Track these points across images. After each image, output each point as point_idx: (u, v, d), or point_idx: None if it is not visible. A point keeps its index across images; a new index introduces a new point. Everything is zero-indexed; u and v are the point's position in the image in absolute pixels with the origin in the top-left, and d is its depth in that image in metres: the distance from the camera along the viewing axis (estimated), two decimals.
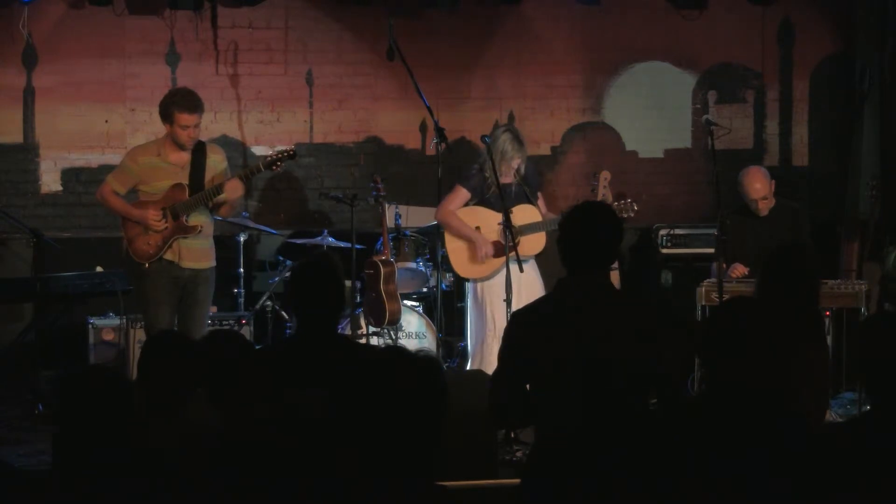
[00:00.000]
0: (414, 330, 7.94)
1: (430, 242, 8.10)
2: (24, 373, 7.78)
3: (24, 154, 8.99)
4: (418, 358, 2.92)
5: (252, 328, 8.00)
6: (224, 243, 7.93)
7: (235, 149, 9.00)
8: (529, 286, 7.03)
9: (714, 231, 7.21)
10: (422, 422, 2.84)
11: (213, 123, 8.97)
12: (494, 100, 9.36)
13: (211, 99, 8.79)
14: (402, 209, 8.29)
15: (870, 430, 3.39)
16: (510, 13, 9.38)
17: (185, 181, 6.83)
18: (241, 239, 8.35)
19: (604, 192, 7.32)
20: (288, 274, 7.92)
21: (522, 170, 7.29)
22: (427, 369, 2.89)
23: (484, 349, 7.21)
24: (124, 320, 7.63)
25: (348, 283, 7.44)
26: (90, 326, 7.88)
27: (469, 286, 7.43)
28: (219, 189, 6.76)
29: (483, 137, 7.17)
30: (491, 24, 9.38)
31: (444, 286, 7.79)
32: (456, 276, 7.75)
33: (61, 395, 3.26)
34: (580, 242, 3.93)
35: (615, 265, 6.67)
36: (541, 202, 7.43)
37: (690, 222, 8.98)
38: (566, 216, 4.03)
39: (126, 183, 6.95)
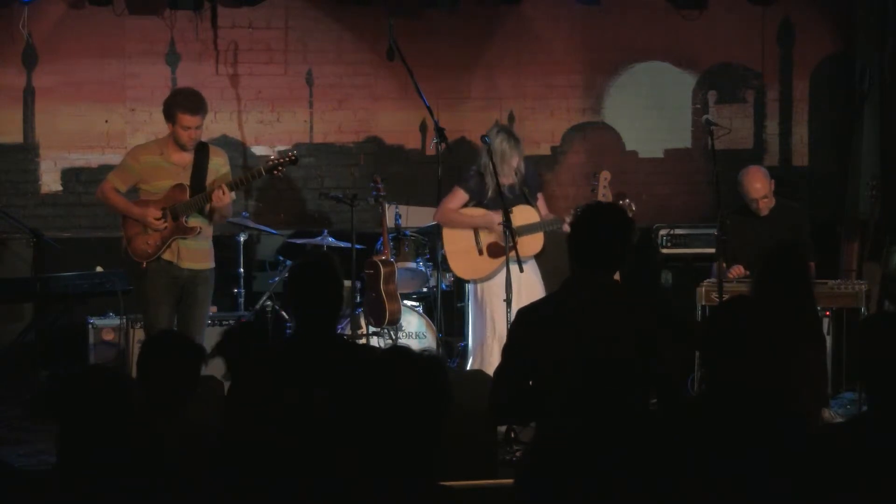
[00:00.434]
0: (414, 330, 7.94)
1: (430, 242, 8.09)
2: (24, 373, 7.78)
3: (24, 154, 8.99)
4: (419, 358, 2.92)
5: None
6: (224, 243, 7.93)
7: (235, 149, 9.00)
8: (529, 286, 7.04)
9: (714, 231, 7.22)
10: (422, 422, 2.84)
11: (213, 123, 8.96)
12: (494, 100, 9.36)
13: (211, 99, 8.72)
14: (402, 209, 8.29)
15: (870, 430, 3.39)
16: (510, 13, 9.38)
17: (187, 182, 6.82)
18: (241, 239, 8.35)
19: (604, 192, 7.32)
20: (287, 274, 7.91)
21: (522, 168, 7.30)
22: (427, 369, 2.89)
23: (484, 349, 7.22)
24: (124, 320, 7.63)
25: (348, 283, 7.44)
26: (90, 326, 7.88)
27: (469, 287, 7.44)
28: (208, 197, 6.75)
29: (483, 137, 7.18)
30: (491, 24, 9.38)
31: (444, 286, 7.79)
32: (456, 276, 7.76)
33: (61, 394, 3.25)
34: (582, 242, 3.95)
35: None
36: (541, 203, 7.43)
37: (690, 222, 8.98)
38: (574, 216, 4.08)
39: (127, 181, 6.94)
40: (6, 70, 8.88)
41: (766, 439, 3.36)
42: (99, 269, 7.83)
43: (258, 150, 9.08)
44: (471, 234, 7.33)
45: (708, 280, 7.39)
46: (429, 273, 8.05)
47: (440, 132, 7.33)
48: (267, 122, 9.23)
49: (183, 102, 6.76)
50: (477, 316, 7.33)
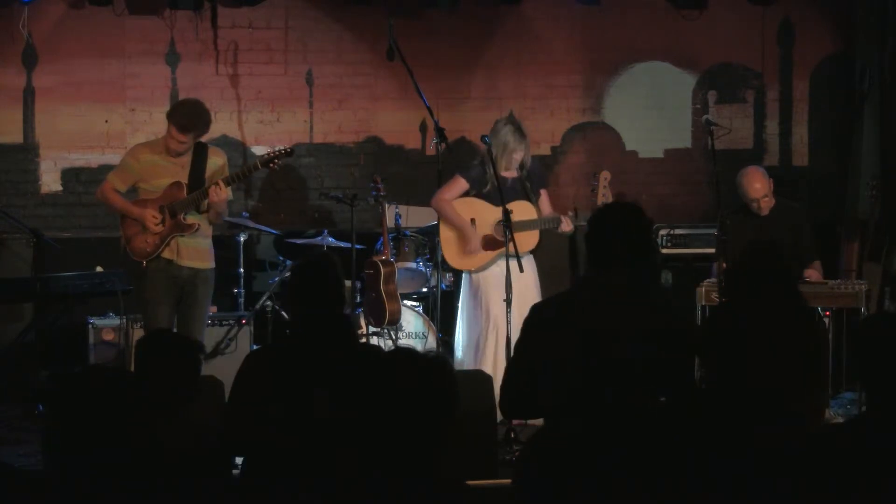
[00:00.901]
0: (414, 330, 7.94)
1: (430, 242, 8.09)
2: (24, 373, 7.77)
3: (24, 154, 8.99)
4: (420, 358, 2.92)
5: (252, 328, 7.99)
6: (224, 243, 7.93)
7: (235, 149, 9.00)
8: (524, 282, 7.00)
9: (714, 231, 7.21)
10: (422, 422, 2.84)
11: (213, 124, 8.85)
12: (494, 100, 9.36)
13: (211, 99, 8.78)
14: (402, 209, 8.29)
15: (870, 430, 3.39)
16: (510, 13, 9.38)
17: (185, 180, 6.84)
18: (241, 239, 8.34)
19: (604, 192, 7.32)
20: (288, 274, 7.92)
21: (528, 163, 7.30)
22: (428, 370, 2.89)
23: (480, 343, 7.20)
24: (124, 320, 7.63)
25: (348, 283, 7.44)
26: (90, 326, 7.88)
27: (464, 278, 7.42)
28: (205, 193, 6.76)
29: (483, 137, 7.17)
30: (491, 24, 9.38)
31: (443, 286, 7.79)
32: (455, 273, 7.76)
33: (61, 394, 3.25)
34: (591, 242, 3.98)
35: None
36: (545, 199, 7.42)
37: (690, 222, 8.97)
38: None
39: (127, 180, 6.95)
40: (6, 70, 8.87)
41: (766, 439, 3.36)
42: (99, 269, 7.83)
43: (258, 151, 9.07)
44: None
45: (708, 280, 7.39)
46: (429, 273, 8.05)
47: (440, 132, 7.34)
48: (267, 122, 9.23)
49: (178, 119, 6.78)
50: (473, 307, 7.30)
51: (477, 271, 7.29)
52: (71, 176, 9.04)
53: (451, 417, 2.88)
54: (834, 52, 9.55)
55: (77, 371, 3.34)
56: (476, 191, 7.29)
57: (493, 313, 7.16)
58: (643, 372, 3.77)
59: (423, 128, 9.29)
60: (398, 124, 9.34)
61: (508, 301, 6.73)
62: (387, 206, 8.01)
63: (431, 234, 7.99)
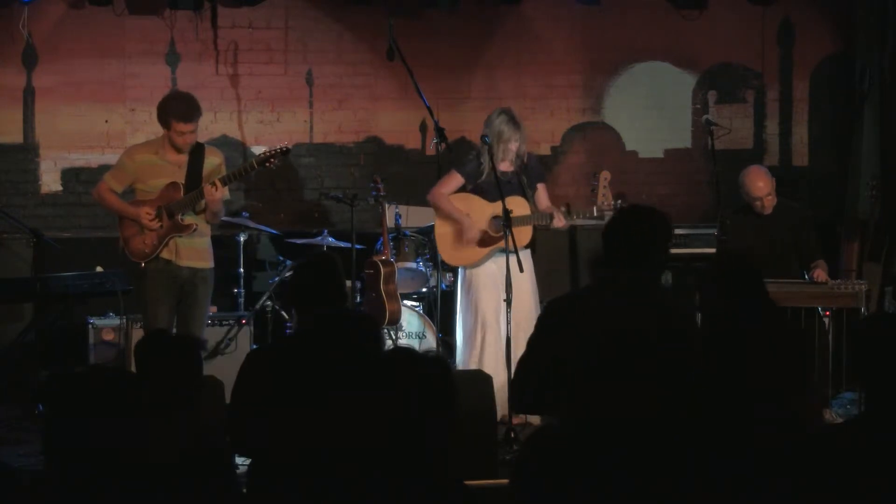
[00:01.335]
0: (414, 330, 7.94)
1: (429, 242, 8.09)
2: (24, 373, 7.77)
3: (24, 154, 8.99)
4: (420, 358, 2.92)
5: (252, 328, 7.99)
6: (224, 243, 7.94)
7: (235, 149, 9.00)
8: (519, 279, 6.99)
9: (714, 231, 7.21)
10: (421, 422, 2.84)
11: (213, 123, 8.97)
12: (494, 100, 9.34)
13: (211, 99, 8.80)
14: (402, 209, 8.28)
15: (870, 430, 3.39)
16: (510, 13, 9.38)
17: (182, 180, 6.83)
18: (241, 239, 8.34)
19: (604, 192, 7.32)
20: (288, 274, 7.92)
21: (525, 155, 7.29)
22: (428, 370, 2.89)
23: (472, 341, 7.22)
24: (124, 320, 7.63)
25: (348, 282, 7.44)
26: (90, 326, 7.88)
27: (460, 273, 7.43)
28: (202, 193, 6.75)
29: (483, 137, 7.17)
30: (491, 24, 9.38)
31: (443, 286, 7.79)
32: (455, 273, 7.76)
33: (61, 394, 3.25)
34: (608, 241, 4.00)
35: None
36: (542, 193, 7.40)
37: (690, 222, 8.97)
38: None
39: (123, 181, 6.95)
40: (6, 70, 8.87)
41: (766, 439, 3.36)
42: (99, 269, 7.83)
43: (258, 151, 9.06)
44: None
45: None
46: (429, 273, 8.05)
47: (440, 132, 7.33)
48: (267, 122, 9.24)
49: (176, 111, 6.76)
50: (465, 305, 7.33)
51: (471, 268, 7.30)
52: (71, 176, 9.04)
53: (450, 417, 2.88)
54: (834, 52, 9.55)
55: (77, 371, 3.34)
56: (472, 185, 7.30)
57: (481, 309, 7.18)
58: (658, 372, 3.77)
59: (423, 128, 9.29)
60: (398, 124, 9.34)
61: (508, 301, 6.73)
62: (387, 206, 8.01)
63: (431, 234, 7.99)
